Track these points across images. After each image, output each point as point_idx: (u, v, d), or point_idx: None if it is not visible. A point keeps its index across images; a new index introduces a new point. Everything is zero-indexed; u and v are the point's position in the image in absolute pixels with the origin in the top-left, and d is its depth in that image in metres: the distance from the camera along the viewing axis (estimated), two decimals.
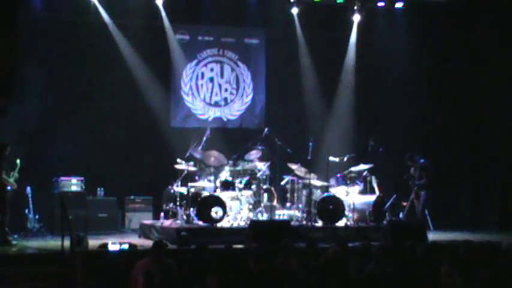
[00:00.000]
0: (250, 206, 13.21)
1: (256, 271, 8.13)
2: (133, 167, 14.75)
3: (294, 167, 13.60)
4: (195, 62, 15.87)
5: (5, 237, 11.50)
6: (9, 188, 12.00)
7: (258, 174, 13.49)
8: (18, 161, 12.26)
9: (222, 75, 16.09)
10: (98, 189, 14.23)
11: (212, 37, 15.98)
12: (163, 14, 15.12)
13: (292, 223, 12.73)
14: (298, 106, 16.14)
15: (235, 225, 12.80)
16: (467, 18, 15.72)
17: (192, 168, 13.45)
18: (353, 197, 13.51)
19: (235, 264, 8.32)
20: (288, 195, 13.75)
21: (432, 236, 12.44)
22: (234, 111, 16.11)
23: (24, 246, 11.53)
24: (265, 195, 13.50)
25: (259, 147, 13.79)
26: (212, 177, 13.35)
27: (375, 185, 13.80)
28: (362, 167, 13.73)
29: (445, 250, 8.77)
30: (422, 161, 13.86)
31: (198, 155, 13.53)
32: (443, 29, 16.00)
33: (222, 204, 12.61)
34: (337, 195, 13.38)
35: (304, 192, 13.55)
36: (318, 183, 13.73)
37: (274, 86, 16.20)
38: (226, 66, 16.11)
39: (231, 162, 13.58)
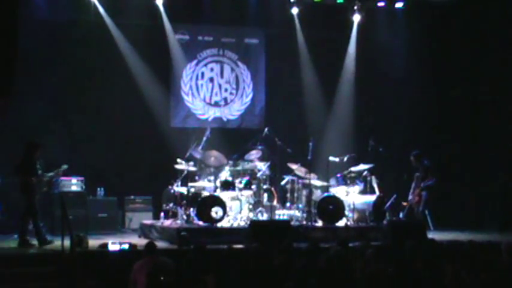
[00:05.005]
0: (250, 206, 13.21)
1: (256, 271, 8.12)
2: (133, 167, 14.75)
3: (294, 167, 13.60)
4: (195, 62, 15.88)
5: (42, 237, 11.48)
6: None
7: (258, 174, 13.49)
8: (64, 166, 12.28)
9: (222, 75, 16.10)
10: (98, 189, 14.23)
11: (212, 37, 15.99)
12: (163, 14, 15.13)
13: (292, 223, 12.72)
14: (298, 106, 16.16)
15: (235, 225, 12.81)
16: (468, 18, 15.72)
17: (192, 168, 13.46)
18: (353, 197, 13.51)
19: (235, 264, 8.32)
20: (288, 195, 13.75)
21: (432, 236, 12.42)
22: (234, 111, 16.12)
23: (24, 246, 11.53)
24: (265, 195, 13.51)
25: (259, 147, 13.79)
26: (212, 177, 13.36)
27: (375, 185, 13.80)
28: (362, 167, 13.72)
29: (447, 250, 8.76)
30: (426, 162, 13.82)
31: (198, 155, 13.54)
32: (443, 29, 16.00)
33: (222, 204, 12.61)
34: (337, 195, 13.38)
35: (304, 192, 13.55)
36: (318, 183, 13.73)
37: (274, 86, 16.21)
38: (226, 66, 16.12)
39: (231, 162, 13.58)
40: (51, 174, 12.18)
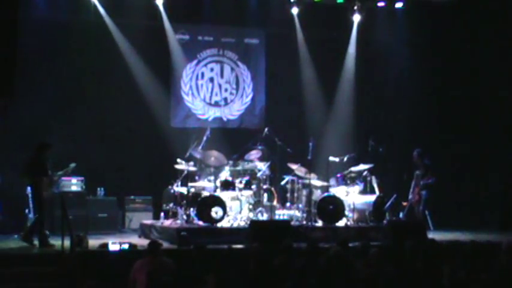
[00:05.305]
0: (250, 206, 13.21)
1: (256, 271, 8.13)
2: (133, 167, 14.75)
3: (294, 167, 13.60)
4: (195, 62, 15.88)
5: (45, 240, 11.38)
6: None
7: (258, 174, 13.49)
8: (72, 165, 12.25)
9: (222, 75, 16.10)
10: (98, 189, 14.23)
11: (212, 37, 15.99)
12: (163, 14, 15.12)
13: (292, 223, 12.72)
14: (298, 106, 16.16)
15: (235, 225, 12.80)
16: (468, 18, 15.72)
17: (192, 168, 13.46)
18: (353, 197, 13.51)
19: (235, 264, 8.32)
20: (288, 195, 13.76)
21: (432, 236, 12.43)
22: (234, 111, 16.12)
23: (24, 246, 11.52)
24: (265, 195, 13.50)
25: (259, 147, 13.80)
26: (212, 177, 13.36)
27: (375, 185, 13.80)
28: (362, 167, 13.72)
29: (447, 250, 8.77)
30: (426, 161, 13.83)
31: (198, 155, 13.54)
32: (444, 29, 16.00)
33: (222, 204, 12.61)
34: (337, 195, 13.38)
35: (304, 192, 13.55)
36: (318, 183, 13.73)
37: (274, 86, 16.21)
38: (226, 66, 16.12)
39: (231, 162, 13.59)
40: (60, 173, 12.18)
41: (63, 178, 13.51)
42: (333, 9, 15.86)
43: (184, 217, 12.87)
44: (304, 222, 13.06)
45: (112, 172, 14.52)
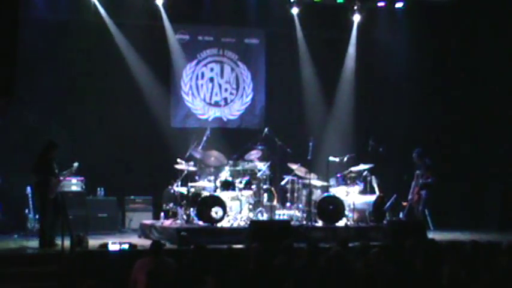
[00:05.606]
0: (250, 206, 13.21)
1: (256, 271, 8.12)
2: (133, 167, 14.75)
3: (294, 167, 13.60)
4: (195, 62, 15.88)
5: (52, 241, 11.29)
6: None
7: (258, 174, 13.49)
8: (76, 164, 12.15)
9: (222, 75, 16.10)
10: (98, 189, 14.23)
11: (212, 37, 15.99)
12: (163, 14, 15.13)
13: (292, 223, 12.73)
14: (298, 106, 16.16)
15: (235, 225, 12.81)
16: (468, 18, 15.73)
17: (192, 168, 13.46)
18: (353, 197, 13.51)
19: (235, 264, 8.31)
20: (288, 195, 13.76)
21: (432, 236, 12.43)
22: (234, 111, 16.12)
23: (24, 246, 11.53)
24: (265, 195, 13.51)
25: (259, 147, 13.80)
26: (212, 177, 13.36)
27: (375, 185, 13.80)
28: (362, 167, 13.73)
29: (447, 250, 8.76)
30: (427, 161, 13.84)
31: (198, 155, 13.54)
32: (444, 29, 16.00)
33: (222, 204, 12.61)
34: (337, 195, 13.39)
35: (304, 192, 13.56)
36: (318, 183, 13.73)
37: (274, 86, 16.21)
38: (226, 66, 16.12)
39: (231, 162, 13.60)
40: (64, 173, 12.15)
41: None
42: (333, 9, 15.86)
43: (184, 217, 12.87)
44: (304, 222, 13.07)
45: (112, 172, 14.51)
